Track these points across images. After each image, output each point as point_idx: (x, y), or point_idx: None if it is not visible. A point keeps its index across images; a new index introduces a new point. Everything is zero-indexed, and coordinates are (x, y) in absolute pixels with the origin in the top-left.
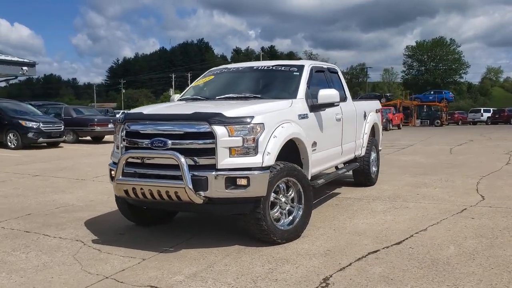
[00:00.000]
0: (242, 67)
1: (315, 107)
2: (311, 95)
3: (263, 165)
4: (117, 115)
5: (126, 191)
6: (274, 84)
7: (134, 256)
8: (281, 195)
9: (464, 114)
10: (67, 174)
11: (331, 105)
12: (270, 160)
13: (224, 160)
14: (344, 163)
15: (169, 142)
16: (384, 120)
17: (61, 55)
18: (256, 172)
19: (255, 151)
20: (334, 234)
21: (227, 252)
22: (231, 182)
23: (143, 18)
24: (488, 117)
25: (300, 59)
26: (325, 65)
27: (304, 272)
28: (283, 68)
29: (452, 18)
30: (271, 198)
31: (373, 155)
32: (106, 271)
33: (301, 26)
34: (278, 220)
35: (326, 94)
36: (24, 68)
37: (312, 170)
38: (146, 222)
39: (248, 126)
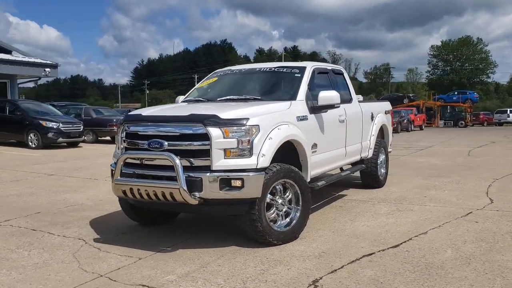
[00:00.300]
0: (245, 69)
1: (316, 109)
2: (312, 97)
3: (258, 167)
4: None
5: (124, 192)
6: (275, 86)
7: (131, 255)
8: (277, 197)
9: (489, 115)
10: (82, 174)
11: (331, 106)
12: (265, 161)
13: (219, 162)
14: (352, 165)
15: (166, 143)
16: (405, 121)
17: (88, 56)
18: (250, 174)
19: (250, 152)
20: (332, 236)
21: (223, 253)
22: (225, 183)
23: (168, 19)
24: None
25: (323, 59)
26: (329, 66)
27: (295, 274)
28: (285, 70)
29: (480, 16)
30: (267, 200)
31: (382, 157)
32: (102, 269)
33: (325, 26)
34: (275, 221)
35: (326, 95)
36: (47, 69)
37: (313, 172)
38: (148, 222)
39: (243, 128)
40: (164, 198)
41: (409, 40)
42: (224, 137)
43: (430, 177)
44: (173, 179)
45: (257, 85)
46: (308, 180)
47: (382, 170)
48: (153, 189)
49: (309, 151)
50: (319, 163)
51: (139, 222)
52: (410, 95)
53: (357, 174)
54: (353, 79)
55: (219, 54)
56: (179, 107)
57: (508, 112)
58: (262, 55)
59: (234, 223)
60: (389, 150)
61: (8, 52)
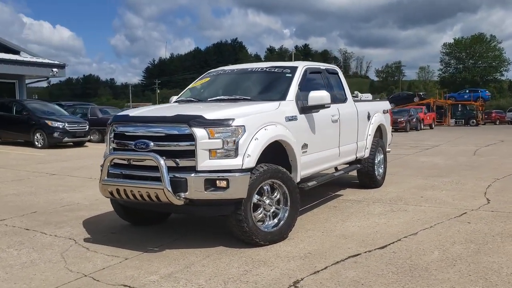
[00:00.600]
0: (237, 69)
1: (306, 109)
2: (303, 97)
3: (243, 167)
4: None
5: (111, 192)
6: (266, 86)
7: (118, 255)
8: (265, 197)
9: (502, 113)
10: (83, 173)
11: (321, 106)
12: (250, 162)
13: (204, 162)
14: (350, 164)
15: (152, 144)
16: (414, 120)
17: (100, 55)
18: (236, 174)
19: (235, 153)
20: (321, 237)
21: (209, 253)
22: (210, 183)
23: (179, 18)
24: None
25: (334, 57)
26: (323, 66)
27: (277, 274)
28: (276, 70)
29: (494, 13)
30: (254, 200)
31: (380, 156)
32: (87, 269)
33: (337, 24)
34: (262, 221)
35: (316, 95)
36: (54, 69)
37: (303, 172)
38: (140, 222)
39: (228, 128)
40: (149, 198)
41: (422, 38)
42: (209, 138)
43: (430, 177)
44: (159, 179)
45: (248, 85)
46: (298, 180)
47: (380, 170)
48: (138, 190)
49: (298, 152)
50: (310, 163)
51: (131, 222)
52: (421, 93)
53: (355, 174)
54: (364, 77)
55: (229, 53)
56: (167, 108)
57: None
58: (273, 54)
59: (224, 223)
60: (387, 149)
61: (16, 52)
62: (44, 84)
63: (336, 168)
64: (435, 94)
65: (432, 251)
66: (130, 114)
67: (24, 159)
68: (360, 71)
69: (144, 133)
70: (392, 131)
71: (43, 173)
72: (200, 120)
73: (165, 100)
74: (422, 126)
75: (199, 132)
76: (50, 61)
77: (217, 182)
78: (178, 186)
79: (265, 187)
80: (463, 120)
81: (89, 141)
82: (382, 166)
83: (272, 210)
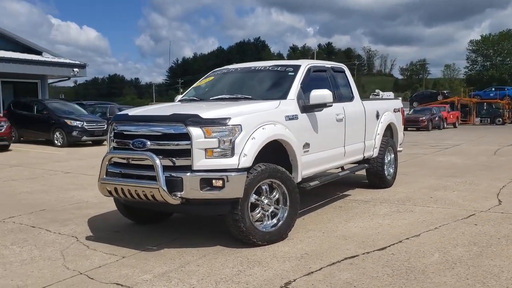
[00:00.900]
0: (241, 67)
1: (308, 108)
2: (305, 96)
3: (239, 167)
4: None
5: (109, 191)
6: (268, 85)
7: (116, 253)
8: (263, 197)
9: None
10: (97, 172)
11: (323, 105)
12: (246, 161)
13: (200, 161)
14: (358, 164)
15: (148, 143)
16: (436, 119)
17: (125, 55)
18: (232, 174)
19: (231, 152)
20: (321, 237)
21: (206, 252)
22: (206, 183)
23: (203, 18)
24: None
25: (358, 55)
26: (328, 64)
27: (270, 275)
28: (279, 69)
29: None
30: (252, 200)
31: (390, 156)
32: (84, 267)
33: (361, 21)
34: (261, 221)
35: (318, 94)
36: (75, 69)
37: (305, 171)
38: (142, 220)
39: (225, 127)
40: (146, 198)
41: (449, 35)
42: (205, 137)
43: (443, 177)
44: (155, 179)
45: (251, 84)
46: (299, 180)
47: (390, 170)
48: (135, 189)
49: (299, 151)
50: (312, 162)
51: (134, 221)
52: (445, 91)
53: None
54: (388, 75)
55: (252, 52)
56: (166, 107)
57: None
58: (296, 52)
59: (224, 223)
60: (399, 149)
61: (39, 53)
62: (71, 83)
63: (342, 168)
64: (460, 92)
65: (432, 254)
66: (129, 113)
67: (43, 158)
68: (384, 69)
69: (141, 132)
70: (413, 130)
71: (58, 172)
72: (196, 119)
73: None
74: (445, 125)
75: (195, 131)
76: (71, 61)
77: (213, 181)
78: (174, 185)
79: (263, 187)
80: (488, 119)
81: None
82: (393, 165)
83: (271, 210)
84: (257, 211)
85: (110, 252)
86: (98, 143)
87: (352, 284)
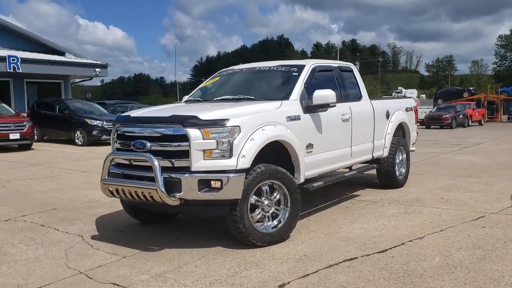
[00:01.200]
0: (246, 68)
1: (311, 108)
2: (308, 96)
3: (238, 168)
4: None
5: (111, 192)
6: (271, 85)
7: (118, 253)
8: (263, 198)
9: None
10: None
11: (327, 106)
12: (245, 163)
13: (198, 163)
14: (368, 163)
15: (148, 144)
16: (461, 116)
17: (151, 55)
18: (230, 175)
19: (230, 153)
20: (323, 239)
21: (205, 253)
22: (204, 184)
23: (227, 16)
24: None
25: (383, 52)
26: (335, 63)
27: (265, 277)
28: (283, 69)
29: None
30: (252, 201)
31: (401, 156)
32: (84, 266)
33: (386, 18)
34: (261, 222)
35: (321, 95)
36: (97, 69)
37: (308, 172)
38: (148, 220)
39: (223, 128)
40: (145, 198)
41: (477, 30)
42: (203, 138)
43: (458, 177)
44: (154, 180)
45: (255, 84)
46: (302, 181)
47: (402, 170)
48: (135, 190)
49: (301, 152)
50: (316, 163)
51: (139, 220)
52: (471, 88)
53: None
54: (414, 72)
55: (276, 50)
56: (168, 108)
57: None
58: (320, 50)
59: (225, 223)
60: (411, 149)
61: (62, 54)
62: (97, 83)
63: (350, 168)
64: (487, 89)
65: (433, 257)
66: (131, 115)
67: (63, 156)
68: (410, 65)
69: (142, 134)
70: (437, 128)
71: (75, 170)
72: (195, 121)
73: None
74: (470, 123)
75: (193, 133)
76: (93, 61)
77: (211, 182)
78: (173, 186)
79: (263, 188)
80: None
81: None
82: (405, 165)
83: (271, 211)
84: (257, 212)
85: (112, 252)
86: None
87: (346, 287)
